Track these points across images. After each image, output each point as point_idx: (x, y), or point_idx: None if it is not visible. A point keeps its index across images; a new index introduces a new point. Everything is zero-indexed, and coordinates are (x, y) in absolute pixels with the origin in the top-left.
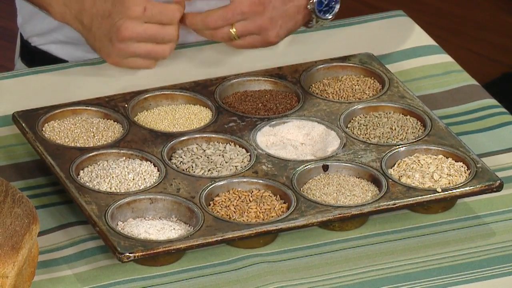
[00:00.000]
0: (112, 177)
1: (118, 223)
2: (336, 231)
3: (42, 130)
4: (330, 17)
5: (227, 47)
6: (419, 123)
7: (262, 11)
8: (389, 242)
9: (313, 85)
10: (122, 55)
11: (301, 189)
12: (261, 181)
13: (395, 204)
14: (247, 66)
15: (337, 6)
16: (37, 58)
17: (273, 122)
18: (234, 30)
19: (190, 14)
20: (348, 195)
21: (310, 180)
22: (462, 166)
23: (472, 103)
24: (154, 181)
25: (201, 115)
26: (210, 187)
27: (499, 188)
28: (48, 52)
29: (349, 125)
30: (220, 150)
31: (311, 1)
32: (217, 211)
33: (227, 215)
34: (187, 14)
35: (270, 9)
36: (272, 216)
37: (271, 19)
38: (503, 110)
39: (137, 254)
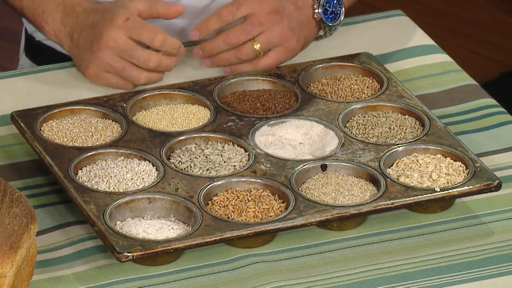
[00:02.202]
0: (111, 176)
1: (117, 223)
2: (335, 230)
3: (40, 129)
4: (337, 23)
5: None
6: (417, 122)
7: (280, 19)
8: (388, 241)
9: (311, 84)
10: (99, 66)
11: (300, 188)
12: (259, 180)
13: (393, 204)
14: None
15: (342, 11)
16: (42, 53)
17: (271, 122)
18: (258, 45)
19: (210, 40)
20: (346, 195)
21: (309, 180)
22: (460, 166)
23: (470, 102)
24: (153, 180)
25: (199, 114)
26: (209, 186)
27: (498, 187)
28: (51, 47)
29: (347, 125)
30: (219, 150)
31: (316, 11)
32: (216, 211)
33: (226, 215)
34: (207, 41)
35: (286, 16)
36: (271, 216)
37: (289, 26)
38: (502, 109)
39: (135, 253)
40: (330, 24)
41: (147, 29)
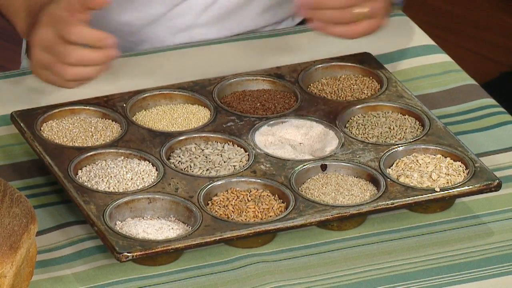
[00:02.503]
0: (111, 176)
1: (117, 223)
2: (335, 230)
3: (40, 129)
4: (398, 2)
5: (224, 47)
6: (417, 122)
7: None
8: (388, 241)
9: (311, 84)
10: (36, 64)
11: (300, 188)
12: (259, 180)
13: (393, 204)
14: (245, 66)
15: None
16: None
17: (271, 122)
18: (364, 10)
19: None
20: (346, 195)
21: (309, 180)
22: (460, 166)
23: (470, 102)
24: (153, 180)
25: (199, 114)
26: (209, 186)
27: (498, 187)
28: None
29: (347, 125)
30: (219, 150)
31: None
32: (216, 211)
33: (226, 215)
34: None
35: None
36: (271, 216)
37: (386, 2)
38: (502, 109)
39: (135, 253)
40: (395, 4)
41: (65, 24)
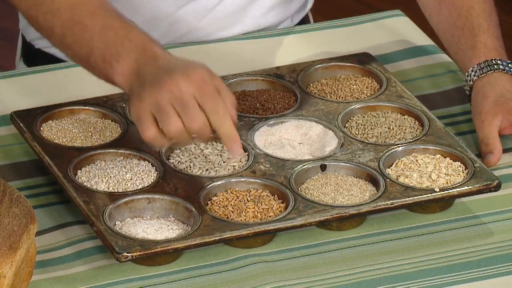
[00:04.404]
0: (110, 177)
1: (116, 223)
2: (334, 230)
3: (40, 129)
4: None
5: (224, 47)
6: (417, 122)
7: None
8: (387, 241)
9: (311, 84)
10: (148, 103)
11: (299, 188)
12: (259, 180)
13: (393, 204)
14: (245, 66)
15: None
16: (40, 60)
17: (271, 122)
18: None
19: None
20: (346, 195)
21: (308, 180)
22: (460, 166)
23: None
24: (152, 181)
25: None
26: (208, 187)
27: (497, 187)
28: (51, 54)
29: (347, 125)
30: (218, 150)
31: None
32: (215, 211)
33: (225, 215)
34: None
35: None
36: (270, 216)
37: None
38: None
39: (134, 254)
40: None
41: (218, 102)
